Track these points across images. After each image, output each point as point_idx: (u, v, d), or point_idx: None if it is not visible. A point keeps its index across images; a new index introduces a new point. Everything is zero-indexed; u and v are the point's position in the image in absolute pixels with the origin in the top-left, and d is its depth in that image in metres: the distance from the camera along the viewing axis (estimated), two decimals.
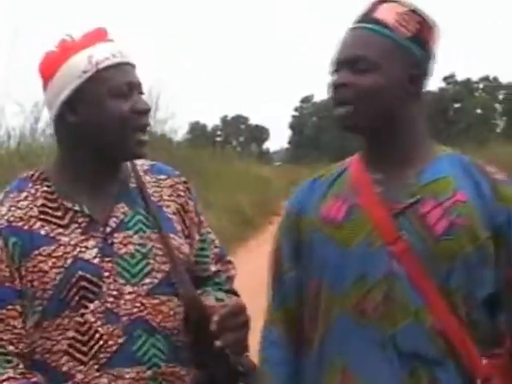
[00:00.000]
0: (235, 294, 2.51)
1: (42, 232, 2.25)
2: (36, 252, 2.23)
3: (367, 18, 2.37)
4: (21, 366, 2.20)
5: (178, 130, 26.29)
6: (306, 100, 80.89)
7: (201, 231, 2.52)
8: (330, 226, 2.40)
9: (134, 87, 2.30)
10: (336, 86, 2.36)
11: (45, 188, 2.31)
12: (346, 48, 2.37)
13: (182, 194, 2.47)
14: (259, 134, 73.29)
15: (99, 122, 2.26)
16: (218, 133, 74.00)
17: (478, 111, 69.32)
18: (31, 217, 2.26)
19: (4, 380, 2.16)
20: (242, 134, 74.20)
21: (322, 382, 2.39)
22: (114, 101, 2.24)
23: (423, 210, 2.32)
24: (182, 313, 2.36)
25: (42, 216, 2.26)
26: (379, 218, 2.35)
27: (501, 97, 71.38)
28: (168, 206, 2.42)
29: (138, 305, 2.28)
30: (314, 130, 75.17)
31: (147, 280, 2.30)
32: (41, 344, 2.23)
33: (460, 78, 72.15)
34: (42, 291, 2.21)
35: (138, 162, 2.46)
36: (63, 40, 2.31)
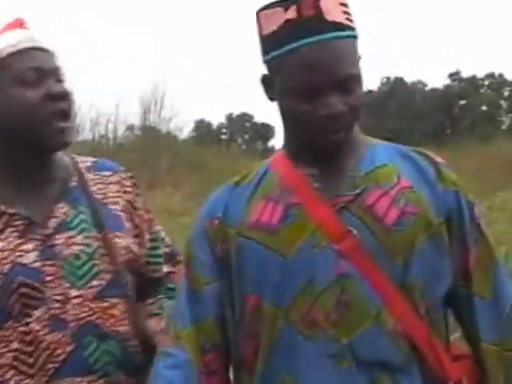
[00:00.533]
0: None
1: None
2: None
3: (323, 21, 2.03)
4: None
5: (184, 128, 26.12)
6: None
7: (151, 229, 2.42)
8: (263, 232, 2.17)
9: (47, 73, 2.17)
10: (332, 115, 2.06)
11: None
12: (326, 70, 2.04)
13: (129, 189, 2.37)
14: (264, 131, 72.91)
15: (6, 112, 2.14)
16: (224, 131, 73.79)
17: (484, 108, 68.84)
18: None
19: None
20: (247, 132, 73.88)
21: None
22: (19, 88, 2.13)
23: (369, 201, 2.14)
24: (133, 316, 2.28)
25: None
26: (322, 216, 2.13)
27: (506, 94, 70.82)
28: (115, 203, 2.31)
29: (87, 309, 2.15)
30: None
31: (95, 282, 2.18)
32: None
33: (465, 74, 71.59)
34: None
35: (79, 159, 2.36)
36: None
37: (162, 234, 2.49)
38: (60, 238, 2.16)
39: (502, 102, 70.47)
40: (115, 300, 2.19)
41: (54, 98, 2.13)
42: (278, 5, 2.06)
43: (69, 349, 2.11)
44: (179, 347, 2.18)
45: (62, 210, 2.20)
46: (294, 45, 2.03)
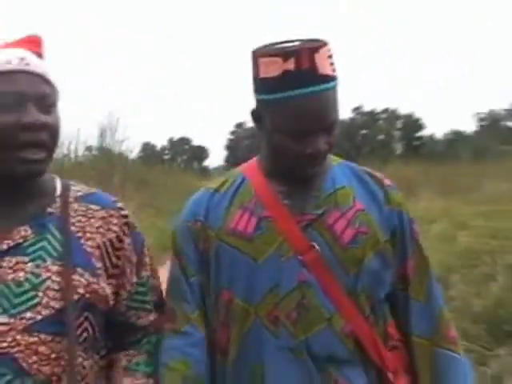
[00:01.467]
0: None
1: None
2: None
3: (316, 75, 2.03)
4: None
5: (133, 150, 26.61)
6: (240, 125, 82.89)
7: (140, 273, 2.06)
8: (239, 239, 2.19)
9: (28, 99, 1.79)
10: (317, 154, 2.07)
11: None
12: (318, 115, 2.04)
13: (115, 228, 1.98)
14: (200, 153, 74.72)
15: None
16: (166, 152, 75.25)
17: (381, 137, 70.76)
18: None
19: None
20: (185, 153, 75.31)
21: None
22: (3, 114, 1.77)
23: (329, 221, 2.17)
24: (69, 358, 1.86)
25: None
26: (289, 230, 2.16)
27: (399, 125, 72.94)
28: (90, 239, 1.92)
29: (10, 339, 1.77)
30: (246, 151, 76.80)
31: (28, 314, 1.79)
32: None
33: (366, 109, 73.69)
34: None
35: (74, 187, 2.02)
36: None
37: (155, 282, 2.15)
38: (8, 261, 1.81)
39: (396, 132, 72.31)
40: (47, 337, 1.80)
41: (26, 128, 1.78)
42: (277, 54, 2.02)
43: None
44: (193, 326, 2.19)
45: (23, 233, 1.85)
46: (290, 93, 2.01)
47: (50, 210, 1.89)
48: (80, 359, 1.88)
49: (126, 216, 2.01)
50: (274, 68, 2.03)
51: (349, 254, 2.16)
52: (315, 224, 2.17)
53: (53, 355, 1.81)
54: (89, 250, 1.90)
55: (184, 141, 77.49)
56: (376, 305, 2.21)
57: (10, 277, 1.80)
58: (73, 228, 1.90)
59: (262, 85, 2.07)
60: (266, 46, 2.09)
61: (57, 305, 1.81)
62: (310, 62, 2.02)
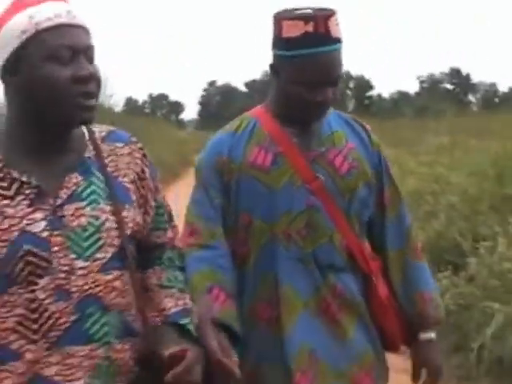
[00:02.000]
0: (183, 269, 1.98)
1: None
2: None
3: (330, 37, 2.18)
4: None
5: (119, 104, 26.38)
6: (211, 84, 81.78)
7: (156, 197, 1.92)
8: (258, 171, 2.31)
9: (79, 51, 1.66)
10: (325, 102, 2.22)
11: None
12: (329, 70, 2.20)
13: (139, 161, 1.87)
14: (176, 107, 73.84)
15: (35, 87, 1.66)
16: (146, 106, 74.32)
17: None
18: None
19: None
20: (164, 108, 74.49)
21: (258, 290, 2.34)
22: (52, 65, 1.63)
23: (330, 157, 2.32)
24: (134, 288, 1.82)
25: None
26: (299, 164, 2.31)
27: (351, 85, 72.72)
28: (125, 175, 1.82)
29: (91, 281, 1.70)
30: (217, 106, 76.15)
31: (99, 255, 1.72)
32: None
33: None
34: None
35: (96, 128, 1.86)
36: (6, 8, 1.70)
37: (165, 203, 2.04)
38: (69, 209, 1.70)
39: (348, 91, 72.10)
40: (118, 273, 1.75)
41: (81, 80, 1.66)
42: (299, 18, 2.17)
43: (72, 319, 1.68)
44: (218, 241, 2.28)
45: (74, 180, 1.73)
46: (308, 50, 2.16)
47: (87, 154, 1.78)
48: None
49: (142, 148, 1.91)
50: (295, 29, 2.16)
51: (345, 184, 2.31)
52: (319, 159, 2.31)
53: (125, 288, 1.77)
54: (127, 185, 1.81)
55: (162, 96, 76.68)
56: (362, 225, 2.39)
57: (75, 223, 1.70)
58: (108, 168, 1.81)
59: (283, 43, 2.20)
60: (287, 11, 2.23)
61: (117, 242, 1.75)
62: (325, 26, 2.16)
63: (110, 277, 1.72)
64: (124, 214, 1.77)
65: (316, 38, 2.16)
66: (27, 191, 1.66)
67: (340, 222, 2.32)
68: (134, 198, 1.82)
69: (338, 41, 2.20)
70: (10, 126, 1.72)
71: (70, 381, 1.66)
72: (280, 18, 2.21)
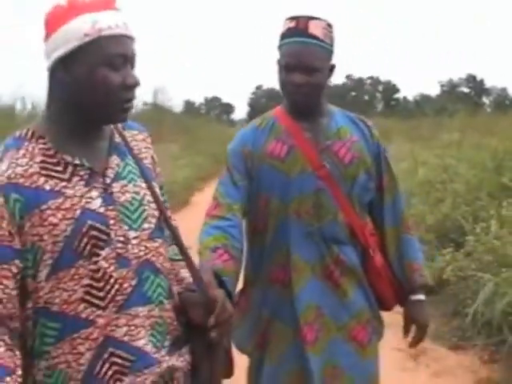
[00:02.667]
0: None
1: (47, 187, 1.57)
2: (44, 206, 1.56)
3: (306, 33, 2.28)
4: (6, 330, 1.54)
5: (178, 106, 26.56)
6: (259, 87, 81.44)
7: (160, 179, 1.85)
8: (275, 160, 2.37)
9: (128, 60, 1.62)
10: (296, 84, 2.29)
11: (41, 145, 1.61)
12: (298, 57, 2.27)
13: (150, 146, 1.83)
14: (228, 108, 73.66)
15: (87, 87, 1.59)
16: (202, 107, 74.20)
17: (366, 97, 69.79)
18: (32, 174, 1.57)
19: None
20: (217, 109, 74.39)
21: (274, 257, 2.40)
22: (106, 70, 1.58)
23: (335, 148, 2.38)
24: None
25: (43, 172, 1.58)
26: (309, 154, 2.36)
27: (380, 89, 71.86)
28: (145, 158, 1.78)
29: (143, 248, 1.67)
30: (263, 107, 76.42)
31: (146, 225, 1.68)
32: (58, 295, 1.57)
33: (355, 76, 72.49)
34: (52, 244, 1.55)
35: None
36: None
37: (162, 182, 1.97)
38: (116, 187, 1.66)
39: (378, 94, 71.18)
40: (161, 240, 1.72)
41: (128, 87, 1.62)
42: (289, 18, 2.32)
43: (133, 283, 1.63)
44: (234, 214, 2.32)
45: (116, 162, 1.69)
46: (287, 40, 2.30)
47: (116, 140, 1.73)
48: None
49: (149, 135, 1.86)
50: (285, 26, 2.32)
51: (347, 171, 2.37)
52: (326, 151, 2.37)
53: (166, 254, 1.75)
54: (149, 166, 1.78)
55: (216, 99, 76.49)
56: (363, 206, 2.45)
57: (123, 199, 1.66)
58: (134, 151, 1.77)
59: (279, 38, 2.35)
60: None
61: (157, 213, 1.72)
62: (305, 25, 2.28)
63: (156, 244, 1.69)
64: (155, 190, 1.74)
65: (295, 31, 2.29)
66: (81, 172, 1.61)
67: (343, 203, 2.38)
68: (154, 177, 1.78)
69: (314, 37, 2.27)
70: (54, 115, 1.64)
71: (135, 340, 1.62)
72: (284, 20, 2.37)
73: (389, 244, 2.50)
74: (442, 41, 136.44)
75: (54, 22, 1.57)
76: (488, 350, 4.80)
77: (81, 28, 1.55)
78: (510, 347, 4.45)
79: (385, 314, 2.58)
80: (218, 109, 75.21)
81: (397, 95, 70.74)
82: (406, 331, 2.55)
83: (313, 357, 2.34)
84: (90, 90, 1.58)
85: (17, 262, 1.53)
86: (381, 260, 2.48)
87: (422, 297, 2.52)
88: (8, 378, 1.48)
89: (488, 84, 59.76)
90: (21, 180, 1.55)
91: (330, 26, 2.32)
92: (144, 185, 1.70)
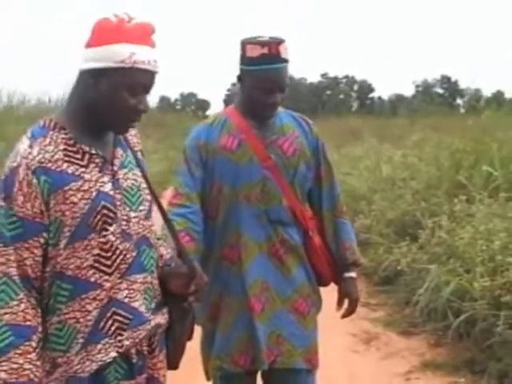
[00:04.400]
0: None
1: (70, 171, 1.81)
2: (66, 187, 1.80)
3: (279, 58, 2.53)
4: (33, 292, 1.81)
5: (153, 101, 26.22)
6: (234, 84, 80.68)
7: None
8: (227, 152, 2.62)
9: (146, 89, 1.87)
10: (275, 103, 2.57)
11: (63, 135, 1.84)
12: (277, 81, 2.55)
13: (139, 141, 2.09)
14: (204, 104, 73.50)
15: (106, 101, 1.83)
16: (178, 103, 73.91)
17: (341, 97, 70.18)
18: (57, 159, 1.81)
19: (17, 300, 1.77)
20: (193, 105, 74.19)
21: (225, 238, 2.64)
22: (126, 94, 1.82)
23: (280, 142, 2.66)
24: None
25: (66, 158, 1.82)
26: (257, 147, 2.64)
27: (355, 88, 72.32)
28: (138, 151, 2.05)
29: (141, 226, 1.93)
30: None
31: (141, 207, 1.94)
32: (72, 262, 1.82)
33: (331, 75, 72.84)
34: (71, 219, 1.80)
35: None
36: (121, 19, 1.83)
37: None
38: (120, 174, 1.91)
39: (353, 93, 71.65)
40: (152, 220, 1.99)
41: (138, 112, 1.88)
42: (257, 43, 2.53)
43: (133, 254, 1.90)
44: (192, 202, 2.60)
45: (120, 153, 1.95)
46: (263, 67, 2.52)
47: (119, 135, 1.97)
48: None
49: (137, 132, 2.08)
50: (255, 51, 2.52)
51: (290, 162, 2.66)
52: (272, 144, 2.65)
53: (155, 231, 2.01)
54: (140, 158, 2.03)
55: (192, 95, 76.29)
56: (304, 193, 2.73)
57: (125, 184, 1.92)
58: (130, 144, 2.02)
59: (247, 60, 2.55)
60: (250, 38, 2.58)
61: (149, 198, 1.98)
62: (276, 50, 2.52)
63: (150, 223, 1.97)
64: (149, 177, 2.00)
65: (269, 58, 2.52)
66: (96, 160, 1.86)
67: (286, 189, 2.66)
68: (145, 167, 2.03)
69: (285, 61, 2.55)
70: (73, 111, 1.88)
71: (133, 302, 1.88)
72: (245, 43, 2.57)
73: (326, 226, 2.78)
74: (417, 41, 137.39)
75: (99, 36, 1.81)
76: (436, 335, 5.13)
77: (120, 54, 1.79)
78: (454, 332, 4.76)
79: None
80: (194, 105, 74.99)
81: (372, 95, 71.32)
82: (339, 304, 2.82)
83: (260, 325, 2.61)
84: (108, 105, 1.83)
85: (44, 234, 1.79)
86: (319, 241, 2.76)
87: (353, 274, 2.80)
88: (34, 336, 1.77)
89: (462, 85, 60.35)
90: (49, 164, 1.80)
91: (285, 43, 2.57)
92: (139, 173, 1.97)
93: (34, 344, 1.76)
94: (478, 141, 8.00)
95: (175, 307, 2.04)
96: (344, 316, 2.85)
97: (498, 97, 26.54)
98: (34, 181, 1.78)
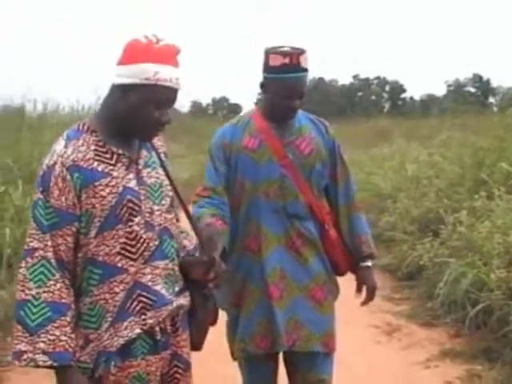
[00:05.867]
0: None
1: (99, 169, 2.00)
2: (97, 183, 1.98)
3: (300, 67, 2.66)
4: (67, 273, 1.99)
5: (185, 106, 26.44)
6: None
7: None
8: (249, 151, 2.78)
9: (169, 104, 2.04)
10: (295, 108, 2.73)
11: (94, 137, 2.03)
12: (297, 88, 2.69)
13: (163, 143, 2.26)
14: (235, 108, 73.37)
15: (133, 113, 2.01)
16: (209, 108, 73.96)
17: (373, 97, 69.68)
18: (89, 158, 2.00)
19: (54, 280, 1.96)
20: (224, 109, 74.13)
21: (247, 230, 2.80)
22: (151, 107, 2.00)
23: (297, 143, 2.81)
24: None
25: (96, 157, 2.01)
26: (276, 147, 2.79)
27: (387, 89, 71.73)
28: (162, 153, 2.22)
29: (163, 218, 2.11)
30: None
31: (163, 202, 2.12)
32: (102, 249, 2.00)
33: (362, 76, 72.37)
34: (100, 211, 1.98)
35: None
36: (150, 40, 2.01)
37: None
38: (144, 172, 2.10)
39: (384, 94, 71.09)
40: (174, 213, 2.19)
41: (161, 124, 2.06)
42: (279, 53, 2.67)
43: (156, 243, 2.07)
44: (219, 195, 2.76)
45: (144, 153, 2.12)
46: (285, 75, 2.67)
47: None
48: None
49: (161, 135, 2.23)
50: (277, 61, 2.66)
51: (307, 161, 2.79)
52: (290, 144, 2.79)
53: (176, 223, 2.21)
54: (164, 159, 2.21)
55: (223, 99, 76.25)
56: (320, 190, 2.87)
57: (149, 181, 2.10)
58: (155, 147, 2.20)
59: (269, 69, 2.69)
60: (272, 48, 2.71)
61: (170, 194, 2.16)
62: (297, 60, 2.65)
63: (171, 216, 2.15)
64: (171, 176, 2.18)
65: (290, 68, 2.66)
66: (123, 160, 2.04)
67: (303, 186, 2.80)
68: (168, 166, 2.20)
69: (304, 70, 2.70)
70: (103, 116, 2.06)
71: (156, 285, 2.06)
72: (268, 52, 2.72)
73: (341, 220, 2.92)
74: (448, 40, 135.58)
75: (130, 55, 2.00)
76: (455, 326, 5.29)
77: (146, 72, 1.97)
78: (471, 321, 4.93)
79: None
80: (226, 109, 75.05)
81: (403, 95, 70.72)
82: (358, 291, 2.97)
83: (278, 311, 2.77)
84: (135, 116, 2.01)
85: (76, 224, 1.98)
86: (335, 234, 2.90)
87: (369, 264, 2.94)
88: (68, 312, 1.96)
89: (494, 83, 59.56)
90: (81, 163, 1.99)
91: (307, 53, 2.70)
92: (162, 172, 2.15)
93: (68, 319, 1.95)
94: (500, 138, 8.09)
95: (197, 293, 2.22)
96: (363, 303, 2.99)
97: None
98: (68, 177, 1.96)
